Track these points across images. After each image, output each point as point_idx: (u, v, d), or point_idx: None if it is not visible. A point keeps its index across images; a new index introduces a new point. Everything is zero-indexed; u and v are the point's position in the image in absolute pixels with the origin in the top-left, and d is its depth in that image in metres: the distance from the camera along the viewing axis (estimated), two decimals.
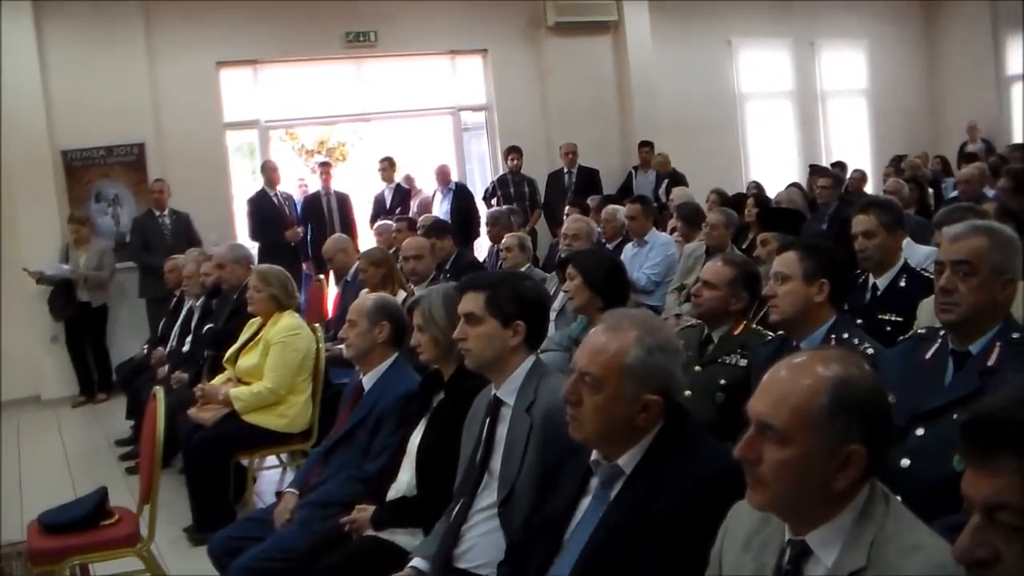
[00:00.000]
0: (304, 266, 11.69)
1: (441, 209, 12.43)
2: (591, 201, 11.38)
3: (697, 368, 4.39)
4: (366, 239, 11.50)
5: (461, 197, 12.58)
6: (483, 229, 11.01)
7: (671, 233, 9.40)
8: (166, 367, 7.82)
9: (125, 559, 4.81)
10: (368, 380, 4.63)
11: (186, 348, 7.99)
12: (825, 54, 16.47)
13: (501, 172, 13.12)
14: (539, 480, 3.23)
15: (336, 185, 12.46)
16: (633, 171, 13.67)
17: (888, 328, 4.75)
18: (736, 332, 4.46)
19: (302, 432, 6.17)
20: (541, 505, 3.09)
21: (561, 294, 5.98)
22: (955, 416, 2.93)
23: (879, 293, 5.05)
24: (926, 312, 4.27)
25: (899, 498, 2.59)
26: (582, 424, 2.73)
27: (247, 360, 6.22)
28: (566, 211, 10.61)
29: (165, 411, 4.92)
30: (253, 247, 11.38)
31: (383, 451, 4.32)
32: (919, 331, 3.52)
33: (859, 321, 4.83)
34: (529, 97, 13.70)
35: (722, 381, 4.28)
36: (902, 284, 5.00)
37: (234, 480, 6.25)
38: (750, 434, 2.11)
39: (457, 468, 3.64)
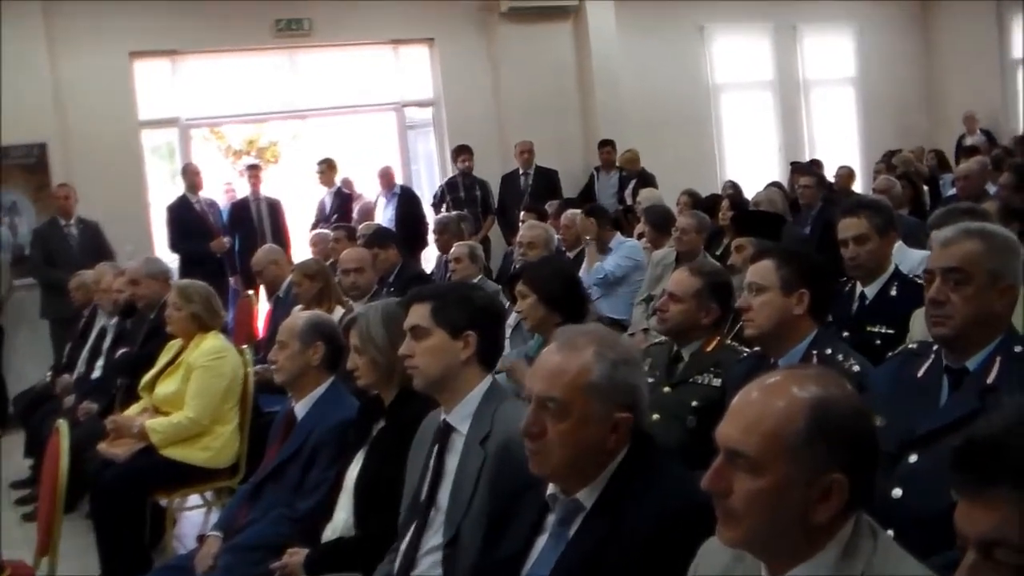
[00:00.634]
0: (231, 280, 11.60)
1: (384, 215, 12.39)
2: (549, 206, 11.39)
3: (666, 389, 4.40)
4: (301, 250, 11.44)
5: (406, 202, 12.54)
6: (431, 237, 10.97)
7: (639, 239, 9.42)
8: (72, 396, 7.71)
9: None
10: (301, 408, 4.60)
11: (96, 374, 7.90)
12: (808, 40, 16.55)
13: (450, 174, 13.08)
14: (490, 519, 3.21)
15: (267, 190, 12.41)
16: (595, 172, 13.69)
17: (878, 341, 4.75)
18: (709, 349, 4.46)
19: (228, 467, 6.09)
20: (492, 546, 3.07)
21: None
22: (951, 441, 2.95)
23: (867, 303, 5.05)
24: (920, 324, 4.27)
25: (891, 532, 2.61)
26: (547, 457, 2.70)
27: (166, 387, 6.15)
28: (521, 217, 10.62)
29: (70, 446, 4.84)
30: (173, 260, 11.33)
31: (317, 487, 4.29)
32: (911, 346, 3.52)
33: (845, 334, 4.84)
34: (481, 91, 13.71)
35: (694, 403, 4.28)
36: (893, 293, 4.99)
37: (151, 523, 6.14)
38: (719, 463, 2.09)
39: (400, 503, 3.62)
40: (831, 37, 16.80)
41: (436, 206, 12.71)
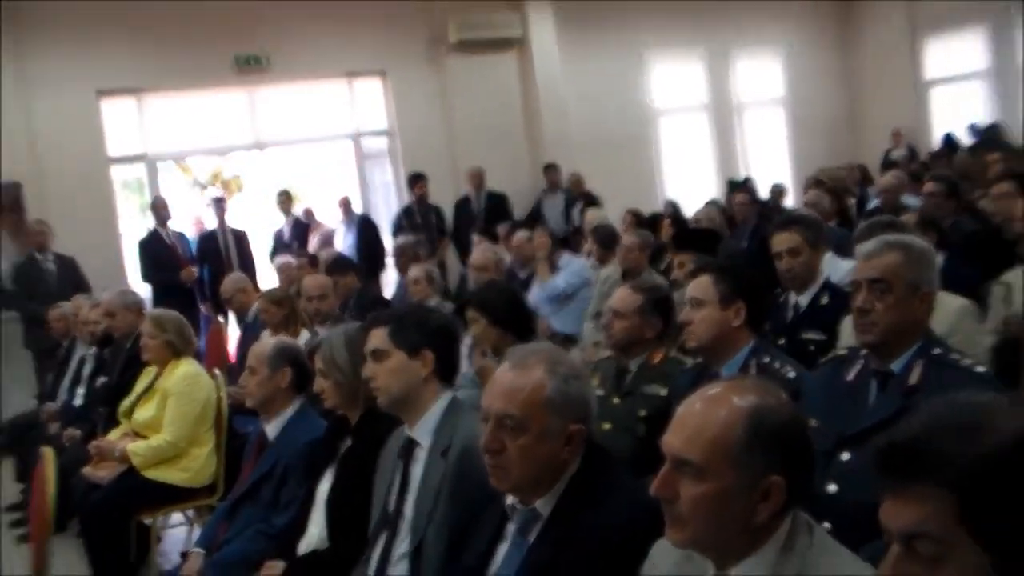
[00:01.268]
0: (202, 308, 11.55)
1: (345, 242, 12.40)
2: (501, 229, 11.43)
3: (616, 400, 4.43)
4: (267, 277, 11.42)
5: (365, 229, 12.58)
6: (390, 261, 10.98)
7: (587, 257, 9.47)
8: (57, 424, 7.68)
9: None
10: (272, 429, 4.61)
11: (78, 402, 7.85)
12: (740, 64, 16.71)
13: (406, 200, 13.09)
14: (452, 528, 3.24)
15: (234, 217, 12.38)
16: (543, 194, 13.74)
17: (811, 347, 4.80)
18: (655, 361, 4.49)
19: (207, 486, 6.08)
20: (455, 554, 3.10)
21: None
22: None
23: (801, 311, 5.11)
24: (849, 330, 4.33)
25: (828, 524, 2.67)
26: (507, 471, 2.73)
27: (144, 412, 6.14)
28: (474, 240, 10.65)
29: (57, 471, 4.84)
30: (146, 290, 11.29)
31: (291, 503, 4.29)
32: (841, 351, 3.59)
33: (781, 341, 4.91)
34: (433, 120, 13.75)
35: (642, 412, 4.32)
36: (824, 301, 5.05)
37: (136, 541, 6.13)
38: (666, 470, 2.14)
39: (369, 516, 3.63)
40: (761, 61, 16.93)
41: (396, 235, 12.64)
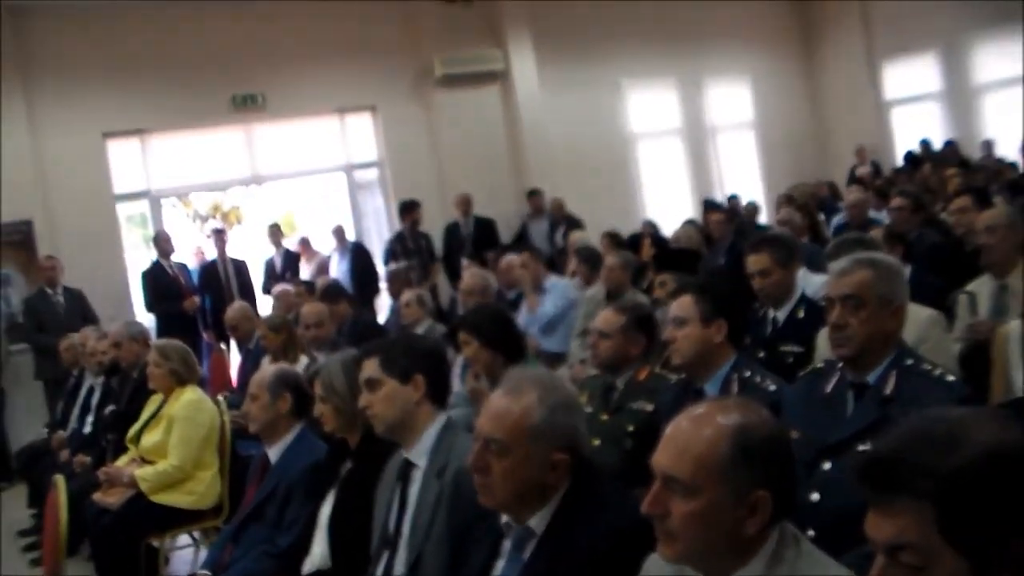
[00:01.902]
0: (204, 336, 11.51)
1: (339, 269, 12.38)
2: (490, 254, 11.41)
3: (604, 417, 4.40)
4: (266, 305, 11.39)
5: (359, 256, 12.54)
6: (384, 287, 10.95)
7: (571, 277, 9.44)
8: (67, 451, 7.62)
9: None
10: (274, 453, 4.58)
11: (87, 429, 7.80)
12: (711, 90, 16.77)
13: (398, 228, 13.04)
14: (450, 545, 3.20)
15: (234, 247, 12.36)
16: (527, 219, 13.73)
17: (790, 360, 4.82)
18: (641, 378, 4.46)
19: (212, 508, 6.03)
20: (453, 571, 3.07)
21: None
22: (859, 447, 2.98)
23: (779, 325, 5.12)
24: (825, 342, 4.31)
25: (812, 532, 2.65)
26: (492, 491, 2.71)
27: (150, 438, 6.10)
28: (464, 264, 10.62)
29: (69, 497, 4.80)
30: (150, 319, 11.25)
31: (294, 524, 4.24)
32: (818, 364, 3.57)
33: (761, 354, 4.91)
34: (421, 151, 13.74)
35: (630, 428, 4.28)
36: (801, 315, 5.06)
37: (145, 562, 6.09)
38: (656, 488, 2.12)
39: (371, 536, 3.59)
40: (730, 87, 17.00)
41: (388, 259, 12.61)
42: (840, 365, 3.30)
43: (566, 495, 2.72)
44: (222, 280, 11.75)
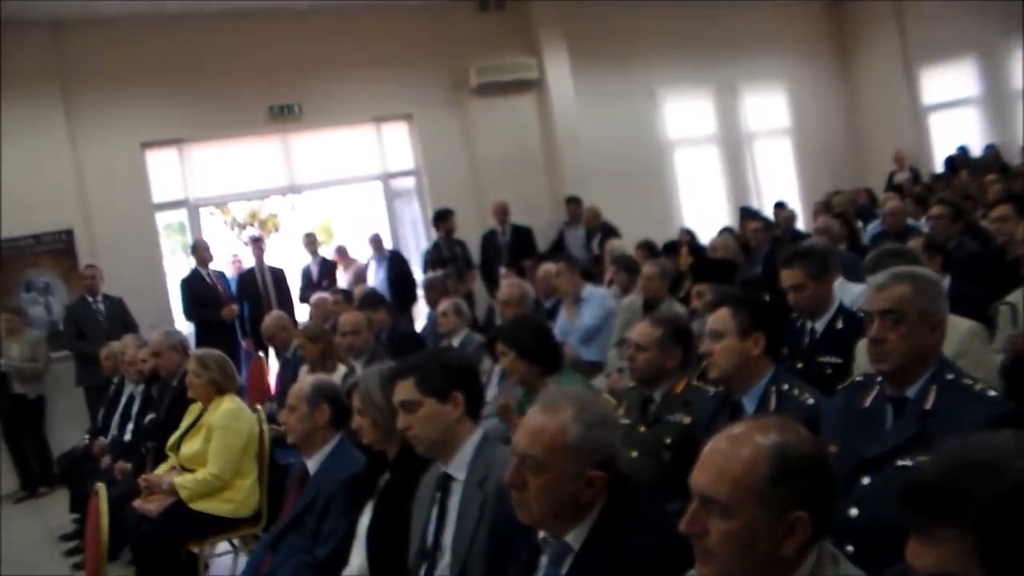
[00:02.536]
0: (243, 343, 11.58)
1: (377, 277, 12.41)
2: (527, 263, 11.39)
3: (641, 429, 4.38)
4: (303, 312, 11.44)
5: (396, 264, 12.57)
6: (421, 295, 10.96)
7: (608, 286, 9.42)
8: (108, 457, 7.68)
9: None
10: (313, 464, 4.59)
11: (128, 436, 7.85)
12: (747, 97, 16.68)
13: (434, 235, 13.05)
14: (491, 556, 3.20)
15: (271, 255, 12.43)
16: (564, 227, 13.70)
17: (828, 371, 4.76)
18: (678, 390, 4.44)
19: (251, 516, 6.07)
20: None
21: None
22: (898, 463, 2.96)
23: (817, 337, 5.06)
24: (864, 353, 4.27)
25: (851, 548, 2.63)
26: (529, 507, 2.70)
27: (190, 447, 6.16)
28: (502, 273, 10.60)
29: (109, 503, 4.84)
30: (189, 327, 11.33)
31: (332, 535, 4.26)
32: (857, 378, 3.53)
33: (799, 365, 4.87)
34: (457, 159, 13.75)
35: (667, 440, 4.27)
36: (839, 326, 5.00)
37: (185, 569, 6.12)
38: (694, 507, 2.11)
39: (408, 548, 3.58)
40: (766, 94, 16.92)
41: (426, 268, 12.60)
42: (879, 379, 3.27)
43: (603, 511, 2.70)
44: (260, 288, 11.81)
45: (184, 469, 6.13)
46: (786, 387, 3.84)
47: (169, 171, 12.30)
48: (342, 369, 7.06)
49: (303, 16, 12.59)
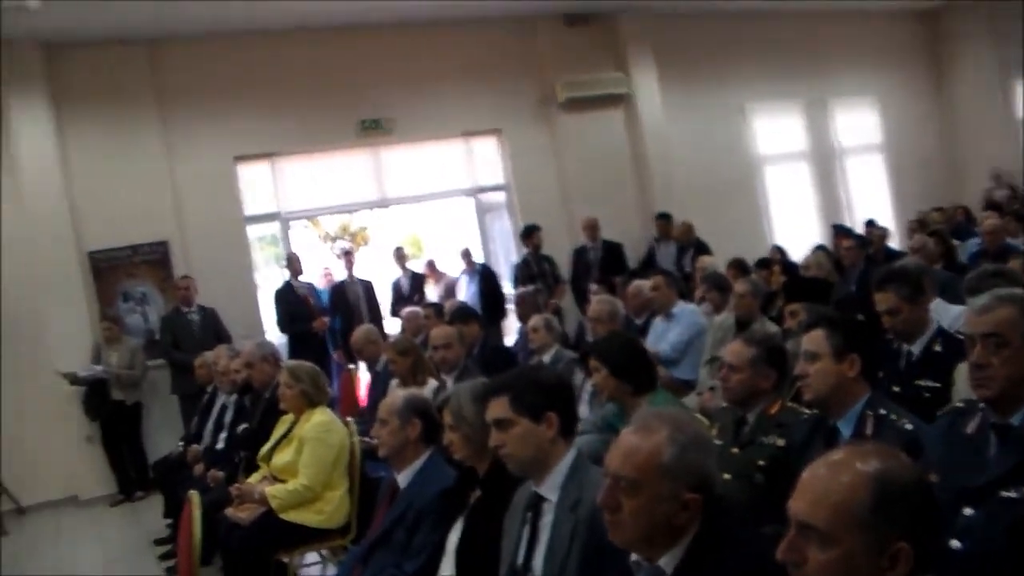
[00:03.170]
0: (334, 355, 11.68)
1: (467, 292, 12.44)
2: (617, 280, 11.35)
3: (734, 450, 4.32)
4: (393, 326, 11.52)
5: (486, 279, 12.60)
6: (511, 309, 10.96)
7: (699, 304, 9.35)
8: (201, 465, 7.80)
9: None
10: (403, 478, 4.60)
11: (220, 445, 7.96)
12: (838, 112, 16.52)
13: (524, 250, 13.05)
14: None
15: (360, 268, 12.50)
16: (654, 243, 13.63)
17: (927, 395, 4.66)
18: (772, 411, 4.36)
19: (341, 527, 6.10)
20: None
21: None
22: (1002, 494, 2.87)
23: (914, 359, 4.96)
24: (964, 377, 4.18)
25: None
26: (622, 529, 2.67)
27: (282, 457, 6.21)
28: (592, 289, 10.56)
29: (202, 511, 4.90)
30: (281, 338, 11.46)
31: (423, 550, 4.25)
32: (958, 404, 3.45)
33: (896, 389, 4.77)
34: (546, 174, 13.76)
35: (760, 462, 4.19)
36: (937, 348, 4.91)
37: None
38: (791, 535, 2.07)
39: (499, 566, 3.57)
40: (858, 109, 16.76)
41: (516, 283, 12.60)
42: (982, 405, 3.18)
43: (697, 535, 2.65)
44: (351, 300, 11.91)
45: (275, 479, 6.18)
46: (883, 411, 3.76)
47: (261, 184, 12.45)
48: (432, 383, 7.09)
49: (393, 31, 12.70)
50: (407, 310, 10.27)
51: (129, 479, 10.79)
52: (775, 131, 15.84)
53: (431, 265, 13.49)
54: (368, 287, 12.15)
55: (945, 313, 5.63)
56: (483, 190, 13.84)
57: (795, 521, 2.07)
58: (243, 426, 7.58)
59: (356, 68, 12.60)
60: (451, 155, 13.62)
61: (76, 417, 10.78)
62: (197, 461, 7.95)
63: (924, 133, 17.26)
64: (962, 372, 4.23)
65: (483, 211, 13.92)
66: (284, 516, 5.92)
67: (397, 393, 5.05)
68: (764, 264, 10.25)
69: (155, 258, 11.46)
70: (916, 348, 4.97)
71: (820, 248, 11.29)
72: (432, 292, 12.73)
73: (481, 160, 13.76)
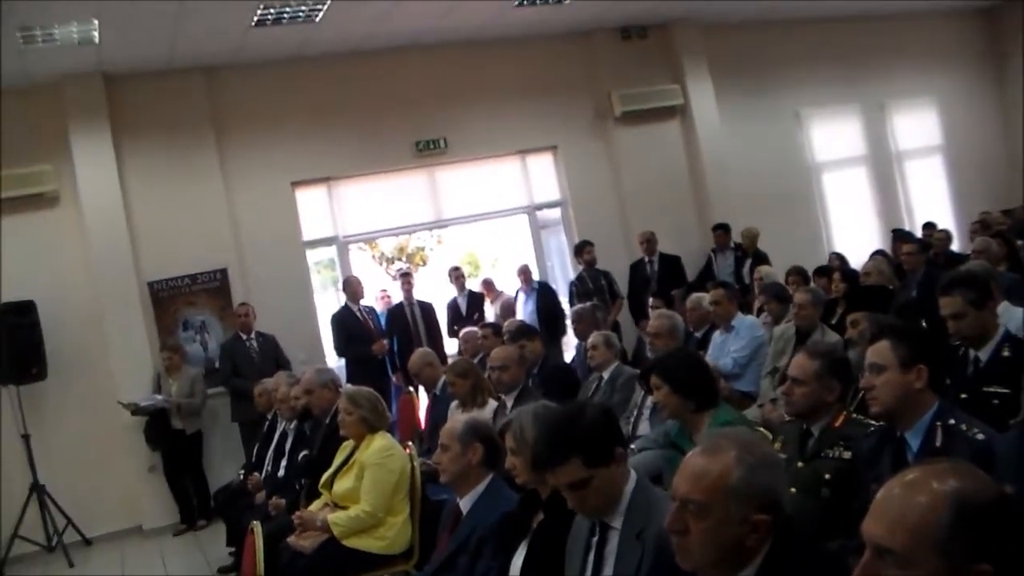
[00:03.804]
0: (394, 378, 11.68)
1: (525, 309, 12.39)
2: (675, 293, 11.27)
3: (800, 464, 4.24)
4: (451, 346, 11.49)
5: (545, 296, 12.52)
6: (569, 326, 10.91)
7: (758, 314, 9.24)
8: (263, 493, 7.81)
9: None
10: (465, 503, 4.58)
11: (281, 472, 7.97)
12: (896, 115, 16.29)
13: (579, 267, 12.98)
14: None
15: (418, 288, 12.50)
16: (712, 254, 13.52)
17: (995, 401, 4.56)
18: (837, 424, 4.28)
19: (404, 552, 6.09)
20: None
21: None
22: None
23: (982, 365, 4.85)
24: None
25: None
26: (691, 553, 2.61)
27: (343, 484, 6.20)
28: (650, 304, 10.48)
29: (265, 540, 4.89)
30: (340, 362, 11.48)
31: (486, 575, 4.22)
32: None
33: (963, 396, 4.66)
34: (603, 189, 13.66)
35: (826, 476, 4.11)
36: (1006, 353, 4.79)
37: None
38: (867, 558, 1.99)
39: None
40: (916, 110, 16.48)
41: (572, 300, 12.49)
42: None
43: (767, 557, 2.58)
44: (409, 323, 11.89)
45: (337, 506, 6.18)
46: (952, 422, 3.67)
47: (318, 208, 12.49)
48: (492, 404, 7.05)
49: (445, 51, 12.70)
50: (465, 330, 10.26)
51: (191, 508, 10.83)
52: (832, 136, 15.63)
53: (488, 284, 13.46)
54: (426, 308, 12.12)
55: (1012, 317, 5.51)
56: (539, 207, 13.78)
57: (871, 544, 1.99)
58: (303, 453, 7.59)
59: (410, 89, 12.62)
60: (507, 173, 13.57)
61: (138, 447, 10.82)
62: (259, 489, 7.97)
63: (984, 133, 16.93)
64: None
65: (539, 228, 13.86)
66: (347, 543, 5.94)
67: (458, 418, 5.03)
68: (823, 272, 10.10)
69: (214, 286, 11.51)
70: (984, 354, 4.86)
71: (879, 253, 11.13)
72: (489, 311, 12.69)
73: (537, 176, 13.71)
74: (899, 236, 12.54)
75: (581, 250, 12.68)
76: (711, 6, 13.55)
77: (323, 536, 5.97)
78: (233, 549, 8.21)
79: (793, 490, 4.00)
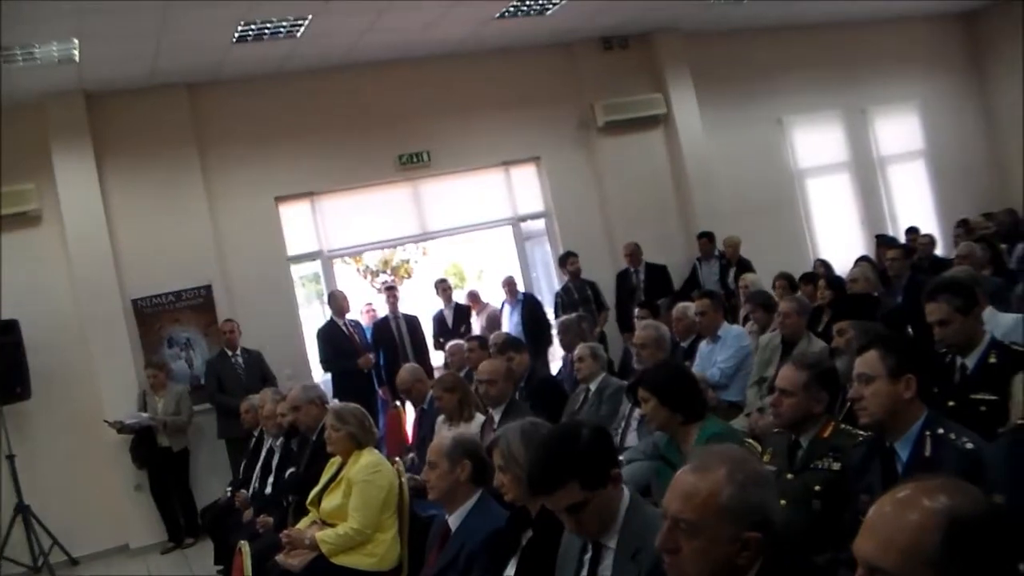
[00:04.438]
0: (380, 392, 11.65)
1: (511, 321, 12.38)
2: (661, 303, 11.26)
3: (789, 476, 4.23)
4: (437, 358, 11.46)
5: (530, 307, 12.52)
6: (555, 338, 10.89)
7: (744, 322, 9.23)
8: (251, 510, 7.76)
9: None
10: (454, 520, 4.56)
11: (268, 489, 7.94)
12: (878, 120, 16.33)
13: (565, 277, 12.97)
14: None
15: (403, 301, 12.48)
16: (697, 263, 13.52)
17: (983, 408, 4.56)
18: (825, 435, 4.28)
19: (393, 569, 6.04)
20: None
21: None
22: None
23: (969, 372, 4.85)
24: (1020, 388, 4.07)
25: None
26: (682, 572, 2.59)
27: (331, 501, 6.17)
28: (636, 314, 10.46)
29: (253, 558, 4.86)
30: (326, 376, 11.44)
31: None
32: (1018, 421, 3.35)
33: (951, 403, 4.65)
34: (587, 199, 13.66)
35: (816, 487, 4.11)
36: (992, 360, 4.79)
37: None
38: None
39: None
40: (898, 115, 16.53)
41: (557, 311, 12.50)
42: None
43: (759, 574, 2.57)
44: (395, 336, 11.86)
45: (325, 523, 6.14)
46: (941, 431, 3.66)
47: (302, 223, 12.47)
48: (479, 418, 7.02)
49: (427, 64, 12.69)
50: (451, 343, 10.23)
51: (179, 526, 10.80)
52: (815, 143, 15.67)
53: (473, 296, 13.43)
54: (412, 322, 12.10)
55: (998, 323, 5.51)
56: (523, 218, 13.78)
57: (863, 563, 1.97)
58: (291, 470, 7.56)
59: (393, 103, 12.63)
60: (491, 184, 13.57)
61: (124, 465, 10.77)
62: (246, 507, 7.93)
63: (967, 137, 16.98)
64: (1018, 383, 4.11)
65: (524, 239, 13.85)
66: (336, 560, 5.88)
67: (445, 435, 4.98)
68: (809, 279, 10.11)
69: (199, 302, 11.47)
70: (970, 361, 4.85)
71: (864, 259, 11.14)
72: (475, 323, 12.67)
73: (521, 188, 13.70)
74: (883, 242, 12.56)
75: (565, 261, 12.68)
76: (692, 15, 13.59)
77: (312, 554, 5.90)
78: (221, 567, 8.14)
79: (783, 502, 3.98)
